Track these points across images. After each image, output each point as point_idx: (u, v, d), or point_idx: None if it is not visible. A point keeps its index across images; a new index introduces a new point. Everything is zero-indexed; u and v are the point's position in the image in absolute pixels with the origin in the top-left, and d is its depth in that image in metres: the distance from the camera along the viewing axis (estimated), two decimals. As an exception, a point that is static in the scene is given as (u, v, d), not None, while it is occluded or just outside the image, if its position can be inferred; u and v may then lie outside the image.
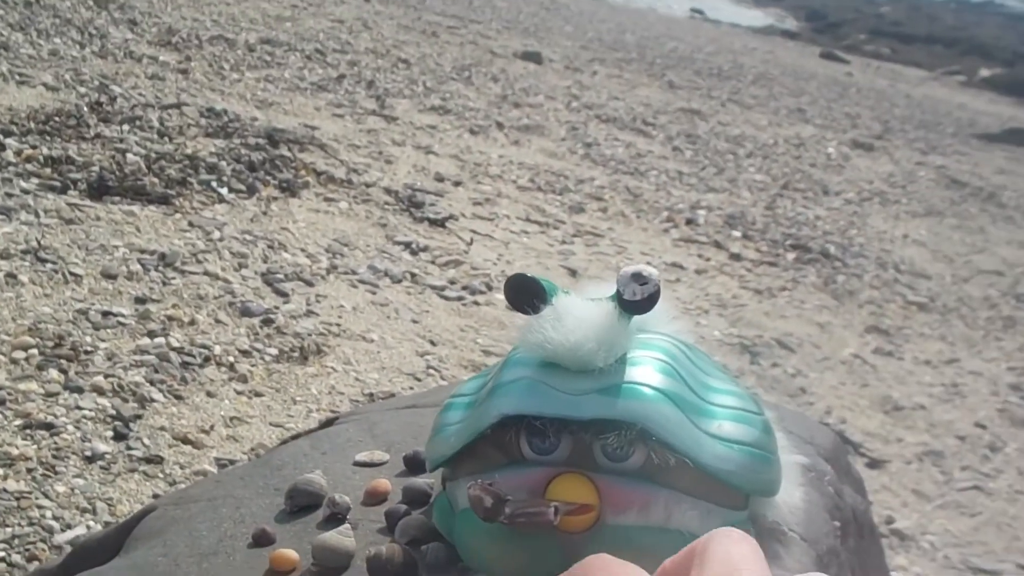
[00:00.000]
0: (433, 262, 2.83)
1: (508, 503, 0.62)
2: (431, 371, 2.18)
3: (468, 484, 0.64)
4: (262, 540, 0.72)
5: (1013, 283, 4.18)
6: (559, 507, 0.61)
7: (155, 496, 1.54)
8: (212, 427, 1.76)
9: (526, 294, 0.71)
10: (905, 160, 6.40)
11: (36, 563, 1.36)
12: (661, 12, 14.98)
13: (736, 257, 3.59)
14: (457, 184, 3.63)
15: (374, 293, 2.51)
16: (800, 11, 19.28)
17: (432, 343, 2.33)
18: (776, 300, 3.26)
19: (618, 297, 0.68)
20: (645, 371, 0.67)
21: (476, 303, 2.61)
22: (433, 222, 3.14)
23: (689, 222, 3.90)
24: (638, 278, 0.68)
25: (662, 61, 8.64)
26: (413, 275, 2.69)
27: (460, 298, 2.62)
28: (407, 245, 2.89)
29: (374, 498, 0.83)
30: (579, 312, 0.69)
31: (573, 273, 3.05)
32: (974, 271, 4.21)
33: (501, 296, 2.65)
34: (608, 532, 0.63)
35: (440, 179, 3.63)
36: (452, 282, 2.71)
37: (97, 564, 0.84)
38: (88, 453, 1.59)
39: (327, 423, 1.10)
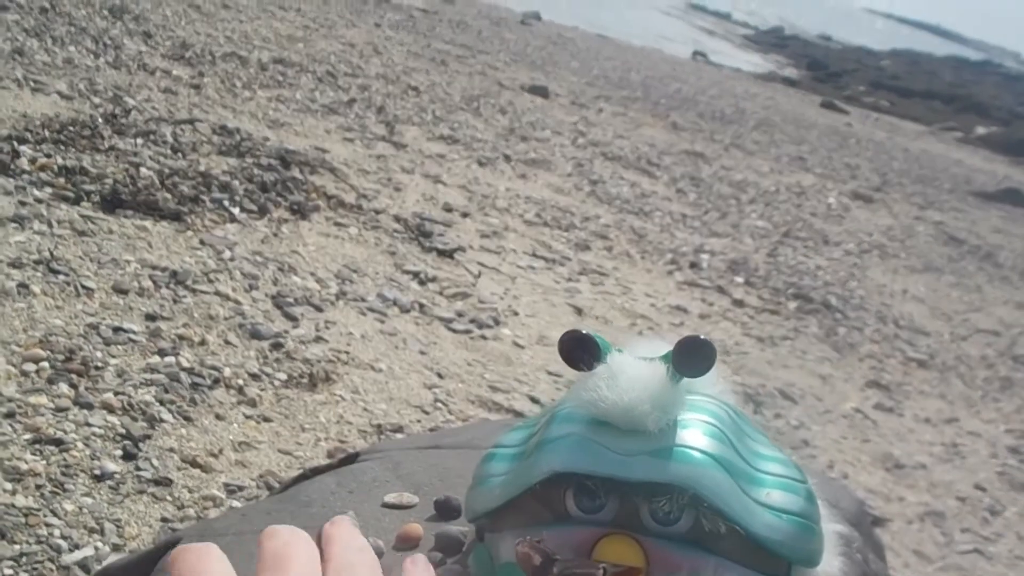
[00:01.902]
0: (441, 293, 2.83)
1: (557, 563, 0.62)
2: (439, 404, 2.17)
3: (516, 540, 0.64)
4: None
5: (1010, 344, 4.21)
6: (607, 568, 0.61)
7: (163, 520, 1.53)
8: (221, 451, 1.74)
9: (580, 350, 0.71)
10: (904, 214, 6.44)
11: (44, 583, 1.35)
12: (665, 53, 15.09)
13: (739, 303, 3.60)
14: (465, 215, 3.64)
15: (383, 322, 2.51)
16: (801, 59, 19.46)
17: (440, 376, 2.32)
18: (778, 349, 3.27)
19: (673, 359, 0.67)
20: (695, 435, 0.67)
21: (484, 337, 2.61)
22: (441, 252, 3.14)
23: (693, 265, 3.91)
24: (696, 341, 0.68)
25: (666, 102, 8.70)
26: (421, 305, 2.68)
27: (468, 331, 2.61)
28: (415, 275, 2.89)
29: (406, 543, 0.82)
30: (633, 372, 0.69)
31: (579, 311, 3.05)
32: (972, 330, 4.24)
33: (508, 331, 2.66)
34: (655, 597, 0.62)
35: (449, 209, 3.64)
36: (460, 314, 2.71)
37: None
38: (97, 471, 1.57)
39: (349, 459, 1.10)
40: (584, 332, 0.71)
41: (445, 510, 0.89)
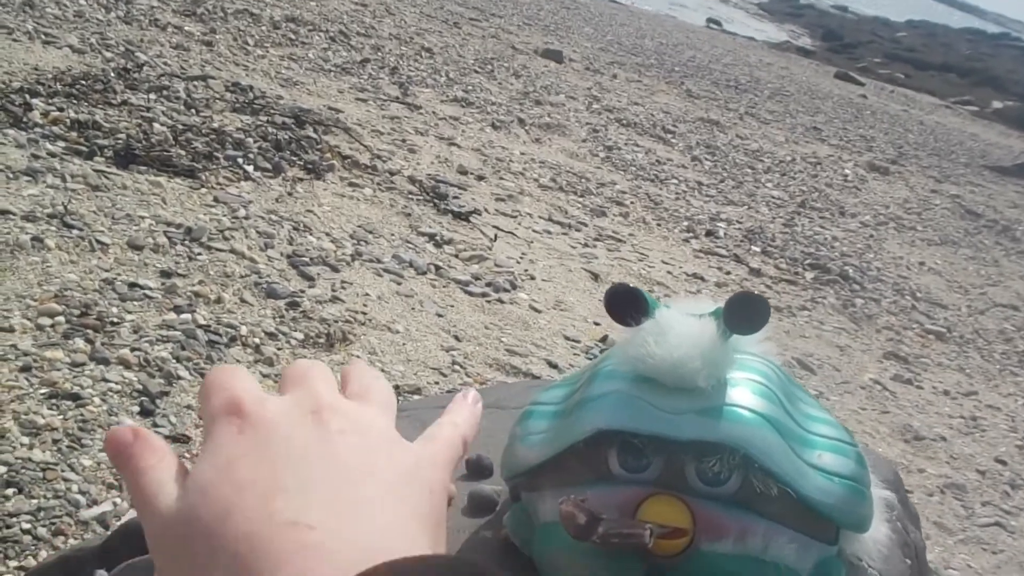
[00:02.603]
0: (457, 256, 2.79)
1: (602, 522, 0.59)
2: (456, 367, 2.14)
3: (560, 499, 0.61)
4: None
5: (1027, 318, 4.17)
6: (653, 529, 0.58)
7: (181, 477, 1.51)
8: (238, 409, 1.72)
9: (627, 305, 0.67)
10: (920, 187, 6.38)
11: (61, 537, 1.33)
12: (679, 20, 14.95)
13: (756, 272, 3.57)
14: (480, 178, 3.59)
15: (399, 283, 2.48)
16: (816, 29, 19.28)
17: (457, 339, 2.29)
18: (796, 319, 3.24)
19: (725, 315, 0.64)
20: (746, 394, 0.63)
21: (500, 301, 2.58)
22: (457, 215, 3.10)
23: (709, 234, 3.87)
24: (750, 297, 0.65)
25: (680, 69, 8.62)
26: (437, 268, 2.65)
27: (484, 295, 2.58)
28: (431, 237, 2.85)
29: None
30: (682, 328, 0.65)
31: (596, 277, 3.02)
32: (989, 304, 4.19)
33: (525, 295, 2.62)
34: (701, 559, 0.59)
35: (463, 172, 3.59)
36: (476, 278, 2.67)
37: (145, 548, 0.81)
38: (115, 427, 1.55)
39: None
40: (631, 286, 0.67)
41: (477, 469, 0.86)
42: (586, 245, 3.29)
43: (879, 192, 5.84)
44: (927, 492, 2.34)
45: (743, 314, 0.63)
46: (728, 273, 3.48)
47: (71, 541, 1.32)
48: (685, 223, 3.92)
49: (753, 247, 3.86)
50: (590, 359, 2.43)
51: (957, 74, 16.17)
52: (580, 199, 3.79)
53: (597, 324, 2.66)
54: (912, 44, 18.62)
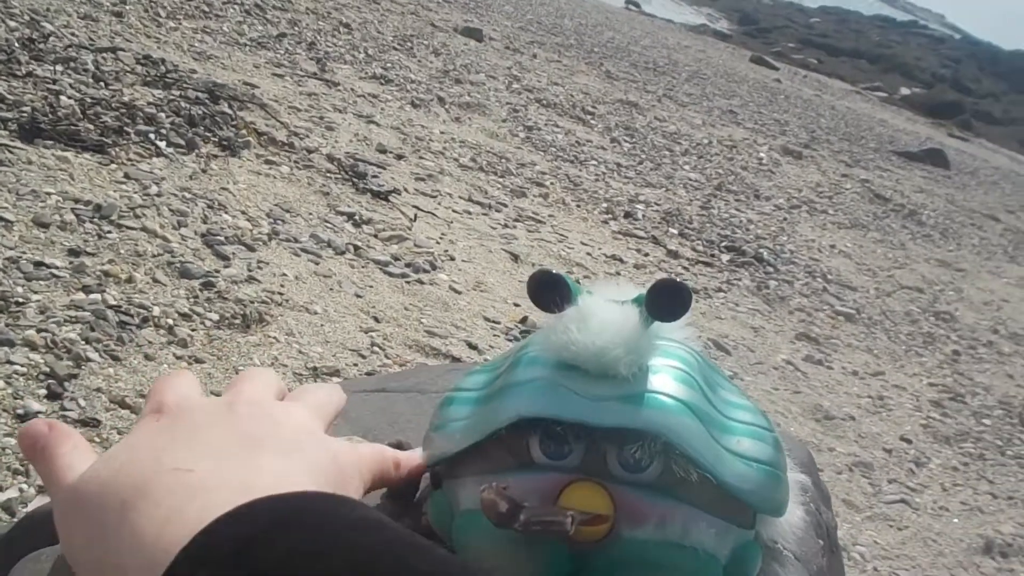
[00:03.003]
0: (376, 236, 2.76)
1: (524, 509, 0.59)
2: (376, 348, 2.12)
3: (481, 487, 0.60)
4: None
5: (932, 300, 4.31)
6: (575, 516, 0.58)
7: (91, 462, 1.46)
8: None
9: (550, 291, 0.67)
10: (831, 171, 6.53)
11: (-37, 527, 1.28)
12: (598, 0, 15.00)
13: (674, 254, 3.61)
14: (399, 157, 3.56)
15: (317, 263, 2.44)
16: (733, 14, 19.55)
17: (376, 320, 2.27)
18: (712, 300, 3.29)
19: (647, 302, 0.64)
20: (667, 381, 0.64)
21: (420, 282, 2.56)
22: (376, 194, 3.07)
23: (628, 215, 3.90)
24: (672, 285, 0.65)
25: (600, 50, 8.65)
26: (356, 248, 2.62)
27: (404, 275, 2.56)
28: (350, 216, 2.81)
29: None
30: (605, 315, 0.65)
31: (515, 258, 3.02)
32: (896, 286, 4.32)
33: (445, 276, 2.61)
34: (622, 545, 0.60)
35: (383, 151, 3.55)
36: (395, 258, 2.65)
37: (52, 538, 0.78)
38: (20, 411, 1.50)
39: (291, 401, 1.05)
40: (554, 272, 0.67)
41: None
42: (506, 226, 3.29)
43: (792, 176, 5.96)
44: (836, 470, 2.41)
45: (665, 301, 0.63)
46: (646, 255, 3.52)
47: (-26, 530, 1.27)
48: (604, 205, 3.94)
49: (671, 229, 3.91)
50: (510, 340, 2.43)
51: (867, 60, 16.59)
52: (500, 179, 3.79)
53: (517, 305, 2.66)
54: (825, 30, 19.02)
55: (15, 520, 1.33)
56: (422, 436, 0.87)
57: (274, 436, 0.43)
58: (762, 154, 6.25)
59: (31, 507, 1.34)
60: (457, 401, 0.69)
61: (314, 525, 0.33)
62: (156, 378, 0.45)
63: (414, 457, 0.57)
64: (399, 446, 0.85)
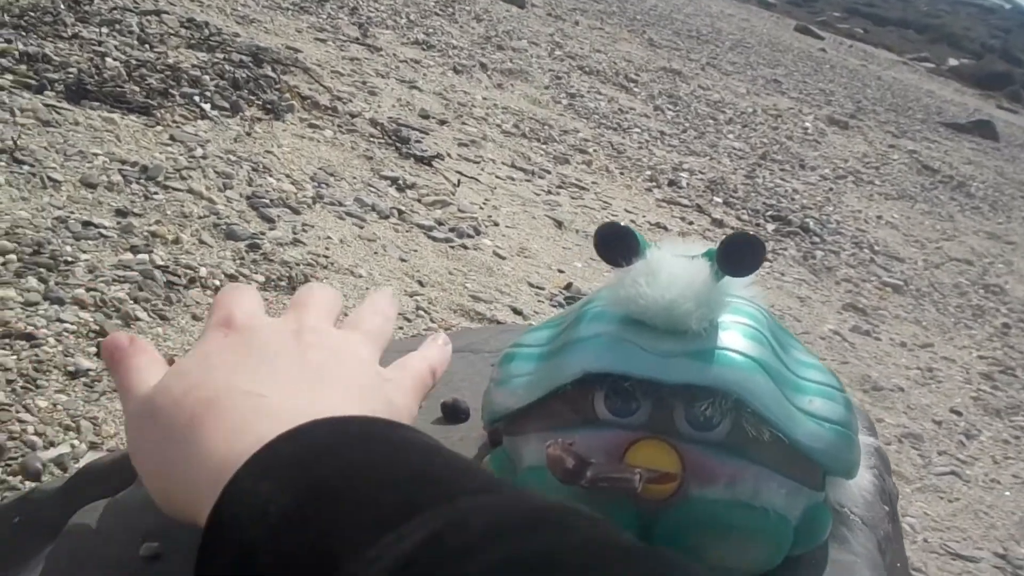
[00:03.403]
0: (420, 200, 2.75)
1: (591, 466, 0.57)
2: (421, 312, 2.11)
3: (547, 443, 0.59)
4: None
5: (981, 273, 4.22)
6: (642, 474, 0.56)
7: (141, 420, 1.47)
8: (199, 352, 1.67)
9: (617, 245, 0.65)
10: (878, 142, 6.42)
11: (19, 477, 1.28)
12: (640, -31, 14.80)
13: (718, 223, 3.57)
14: (443, 123, 3.54)
15: (361, 227, 2.43)
16: (777, -18, 19.22)
17: (420, 284, 2.26)
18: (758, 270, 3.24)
19: (720, 256, 0.61)
20: (737, 337, 0.61)
21: (464, 247, 2.54)
22: (419, 159, 3.05)
23: (672, 184, 3.86)
24: (746, 238, 0.62)
25: (642, 18, 8.55)
26: (400, 212, 2.60)
27: (448, 240, 2.54)
28: (394, 181, 2.80)
29: None
30: (675, 269, 0.62)
31: (559, 225, 2.99)
32: (944, 258, 4.24)
33: (489, 241, 2.59)
34: (690, 504, 0.58)
35: (425, 116, 3.53)
36: (440, 223, 2.63)
37: (109, 491, 0.77)
38: (71, 368, 1.50)
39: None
40: (622, 224, 0.65)
41: (453, 413, 0.84)
42: (549, 192, 3.26)
43: (838, 146, 5.86)
44: (885, 441, 2.37)
45: (738, 255, 0.60)
46: (691, 223, 3.48)
47: (28, 484, 1.28)
48: (648, 172, 3.90)
49: (715, 198, 3.86)
50: (555, 307, 2.41)
51: (915, 30, 16.27)
52: (543, 146, 3.75)
53: (561, 271, 2.63)
54: (871, -1, 18.66)
55: (66, 475, 1.34)
56: (476, 394, 0.85)
57: (337, 370, 0.44)
58: (807, 124, 6.15)
59: (83, 463, 1.34)
60: (519, 357, 0.67)
61: (372, 441, 0.35)
62: (221, 290, 0.46)
63: (442, 359, 0.57)
64: (455, 405, 0.84)
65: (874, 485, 0.77)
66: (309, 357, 0.44)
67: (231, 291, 0.48)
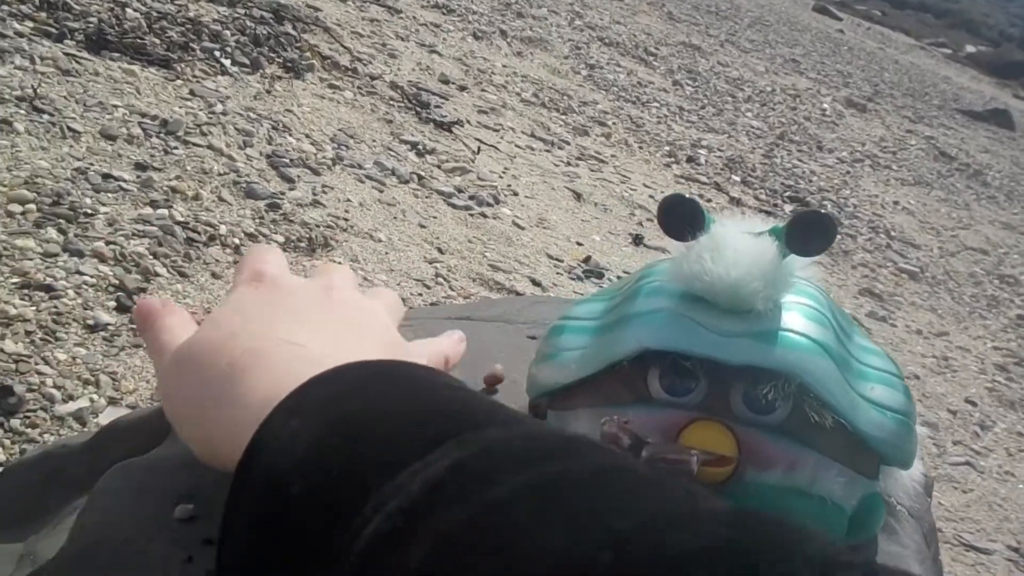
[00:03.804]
0: (439, 166, 2.72)
1: (647, 446, 0.55)
2: (440, 280, 2.09)
3: (602, 420, 0.57)
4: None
5: (996, 263, 4.20)
6: (699, 456, 0.54)
7: (160, 377, 1.45)
8: (218, 311, 1.65)
9: (681, 217, 0.62)
10: (896, 126, 6.37)
11: (36, 430, 1.27)
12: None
13: (736, 202, 3.54)
14: (462, 89, 3.50)
15: (381, 191, 2.40)
16: (796, -39, 19.03)
17: (440, 251, 2.23)
18: (775, 250, 3.22)
19: (789, 234, 0.59)
20: (800, 319, 0.59)
21: (483, 215, 2.52)
22: (439, 125, 3.01)
23: (690, 160, 3.82)
24: (817, 216, 0.60)
25: (662, -9, 8.46)
26: (420, 177, 2.57)
27: (467, 208, 2.52)
28: (413, 145, 2.77)
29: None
30: (740, 245, 0.60)
31: (578, 197, 2.96)
32: (960, 246, 4.22)
33: (508, 211, 2.57)
34: (746, 489, 0.56)
35: (445, 81, 3.49)
36: (459, 190, 2.60)
37: (135, 449, 0.76)
38: (90, 322, 1.48)
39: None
40: (687, 197, 0.62)
41: (495, 383, 0.82)
42: (568, 164, 3.23)
43: (856, 129, 5.81)
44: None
45: (809, 233, 0.58)
46: (709, 200, 3.44)
47: (47, 437, 1.26)
48: (667, 148, 3.86)
49: (733, 176, 3.83)
50: (573, 279, 2.39)
51: (933, 15, 16.12)
52: (563, 117, 3.71)
53: (580, 244, 2.61)
54: (891, -18, 18.48)
55: (85, 430, 1.32)
56: (510, 363, 0.83)
57: (366, 326, 0.46)
58: (825, 105, 6.10)
59: (102, 418, 1.33)
60: (570, 330, 0.65)
61: (398, 379, 0.36)
62: (248, 248, 0.44)
63: (456, 353, 0.59)
64: (495, 376, 0.82)
65: (924, 476, 0.76)
66: (340, 312, 0.45)
67: (258, 250, 0.50)
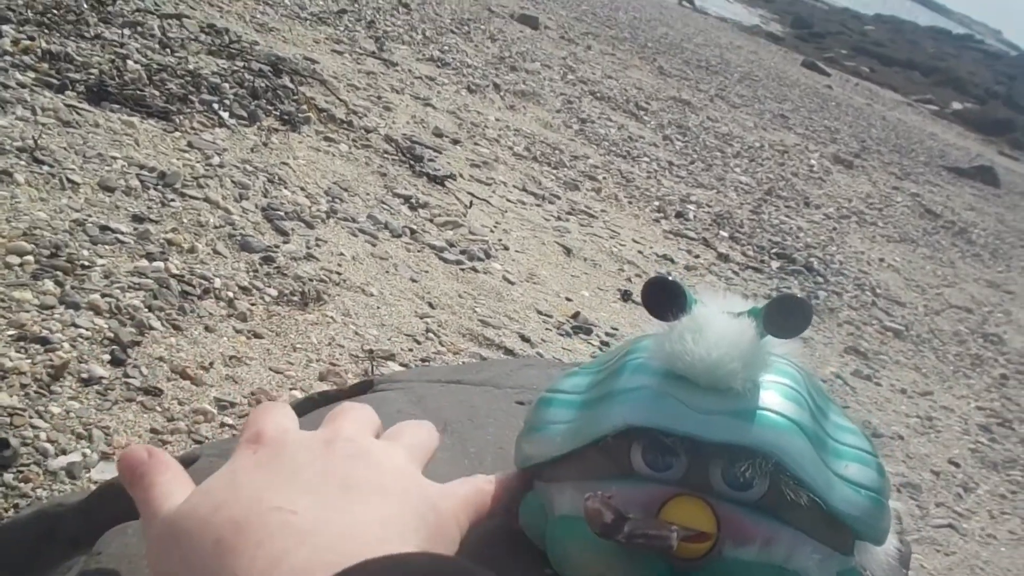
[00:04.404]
0: (432, 220, 2.75)
1: (629, 521, 0.57)
2: (430, 335, 2.11)
3: (586, 495, 0.59)
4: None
5: (981, 322, 4.24)
6: (679, 532, 0.57)
7: (153, 431, 1.47)
8: (211, 364, 1.68)
9: (665, 299, 0.65)
10: (882, 183, 6.45)
11: (29, 485, 1.28)
12: (652, -5, 14.88)
13: (724, 258, 3.58)
14: (455, 142, 3.55)
15: (374, 245, 2.44)
16: (786, 16, 19.35)
17: (431, 305, 2.26)
18: (761, 307, 3.25)
19: (767, 316, 0.62)
20: (777, 398, 0.62)
21: (474, 270, 2.55)
22: (432, 178, 3.05)
23: (679, 215, 3.87)
24: (794, 300, 0.63)
25: (653, 46, 8.59)
26: (412, 231, 2.61)
27: (459, 262, 2.55)
28: (407, 199, 2.81)
29: None
30: (721, 327, 0.63)
31: (568, 252, 3.00)
32: (945, 304, 4.26)
33: (499, 266, 2.60)
34: (724, 564, 0.58)
35: (439, 134, 3.54)
36: (451, 244, 2.64)
37: (129, 508, 0.77)
38: (85, 375, 1.50)
39: (362, 387, 1.04)
40: (671, 278, 0.65)
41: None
42: (559, 218, 3.27)
43: (843, 185, 5.89)
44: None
45: (785, 317, 0.61)
46: (697, 256, 3.49)
47: (39, 491, 1.28)
48: (656, 203, 3.91)
49: (721, 232, 3.87)
50: (562, 335, 2.41)
51: (920, 72, 16.37)
52: (554, 171, 3.76)
53: (569, 300, 2.64)
54: (879, 39, 18.78)
55: (78, 484, 1.34)
56: (498, 429, 0.85)
57: (375, 479, 0.42)
58: (813, 161, 6.18)
59: (94, 472, 1.34)
60: (557, 403, 0.68)
61: None
62: (253, 408, 0.45)
63: (509, 487, 0.57)
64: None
65: (899, 550, 0.78)
66: (341, 465, 0.42)
67: (263, 408, 0.47)
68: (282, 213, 2.35)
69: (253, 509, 0.38)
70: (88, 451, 1.37)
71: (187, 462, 0.80)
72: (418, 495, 0.44)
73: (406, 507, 0.41)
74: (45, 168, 2.05)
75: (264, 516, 0.37)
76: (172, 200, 2.17)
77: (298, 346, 1.85)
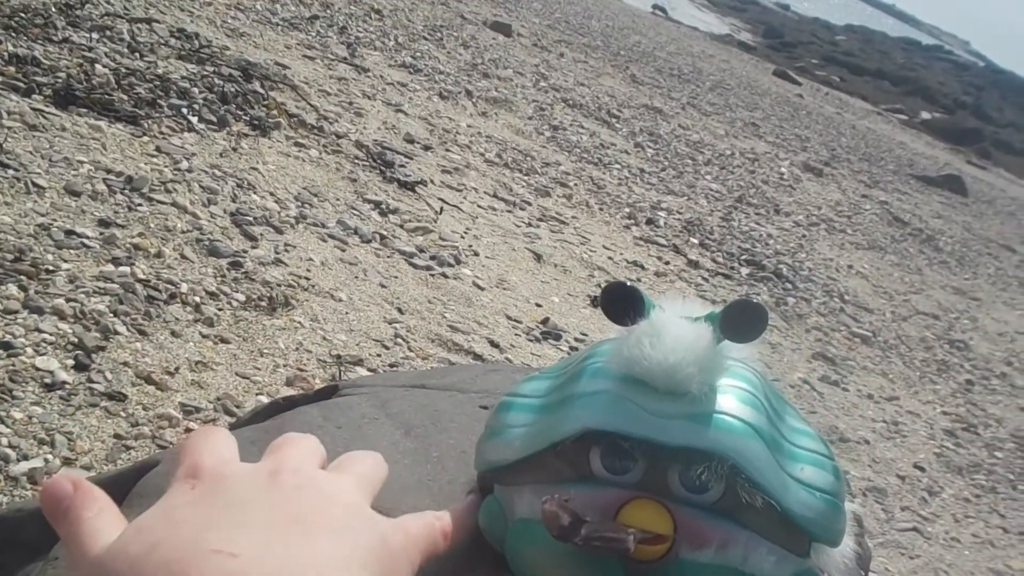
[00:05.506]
0: (402, 226, 2.75)
1: (585, 524, 0.58)
2: (399, 340, 2.11)
3: (543, 498, 0.59)
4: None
5: (947, 328, 4.29)
6: (636, 534, 0.57)
7: (116, 436, 1.46)
8: (177, 369, 1.67)
9: (624, 303, 0.66)
10: (851, 191, 6.51)
11: (-11, 494, 1.27)
12: (625, 3, 14.96)
13: (694, 264, 3.60)
14: (427, 148, 3.55)
15: (343, 250, 2.43)
16: (758, 26, 19.50)
17: (400, 311, 2.26)
18: (731, 313, 3.27)
19: (723, 322, 0.63)
20: (734, 402, 0.63)
21: (444, 275, 2.55)
22: (403, 184, 3.05)
23: (650, 222, 3.89)
24: (749, 306, 0.64)
25: (626, 54, 8.63)
26: (382, 237, 2.61)
27: (428, 268, 2.55)
28: (377, 205, 2.80)
29: None
30: (678, 332, 0.64)
31: (538, 258, 3.01)
32: (912, 311, 4.31)
33: (468, 271, 2.60)
34: (680, 567, 0.59)
35: (410, 140, 3.54)
36: (421, 250, 2.64)
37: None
38: (48, 380, 1.49)
39: (326, 391, 1.04)
40: (629, 284, 0.66)
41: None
42: (530, 224, 3.28)
43: (812, 192, 5.94)
44: (850, 495, 2.40)
45: (741, 322, 0.62)
46: (667, 263, 3.51)
47: (0, 497, 1.26)
48: (627, 209, 3.93)
49: (692, 239, 3.90)
50: (531, 341, 2.42)
51: (890, 82, 16.54)
52: (525, 177, 3.77)
53: (539, 305, 2.65)
54: (850, 48, 18.97)
55: (39, 490, 1.32)
56: (462, 433, 0.86)
57: (323, 514, 0.41)
58: (783, 169, 6.23)
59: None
60: (516, 407, 0.68)
61: None
62: (187, 435, 0.43)
63: (463, 521, 0.56)
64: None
65: (856, 552, 0.79)
66: (287, 500, 0.40)
67: (199, 436, 0.44)
68: (251, 218, 2.34)
69: (190, 551, 0.36)
70: (50, 456, 1.36)
71: (146, 468, 0.80)
72: (369, 530, 0.42)
73: (357, 544, 0.40)
74: (10, 172, 2.03)
75: (201, 559, 0.35)
76: (139, 205, 2.16)
77: (265, 351, 1.85)
